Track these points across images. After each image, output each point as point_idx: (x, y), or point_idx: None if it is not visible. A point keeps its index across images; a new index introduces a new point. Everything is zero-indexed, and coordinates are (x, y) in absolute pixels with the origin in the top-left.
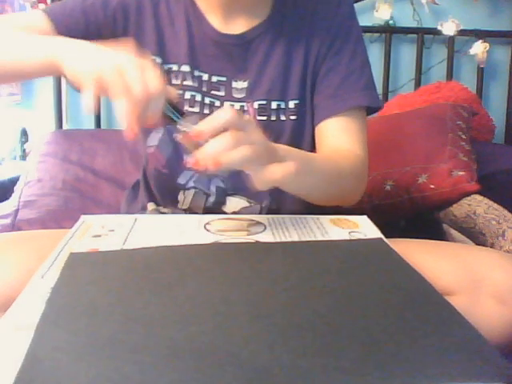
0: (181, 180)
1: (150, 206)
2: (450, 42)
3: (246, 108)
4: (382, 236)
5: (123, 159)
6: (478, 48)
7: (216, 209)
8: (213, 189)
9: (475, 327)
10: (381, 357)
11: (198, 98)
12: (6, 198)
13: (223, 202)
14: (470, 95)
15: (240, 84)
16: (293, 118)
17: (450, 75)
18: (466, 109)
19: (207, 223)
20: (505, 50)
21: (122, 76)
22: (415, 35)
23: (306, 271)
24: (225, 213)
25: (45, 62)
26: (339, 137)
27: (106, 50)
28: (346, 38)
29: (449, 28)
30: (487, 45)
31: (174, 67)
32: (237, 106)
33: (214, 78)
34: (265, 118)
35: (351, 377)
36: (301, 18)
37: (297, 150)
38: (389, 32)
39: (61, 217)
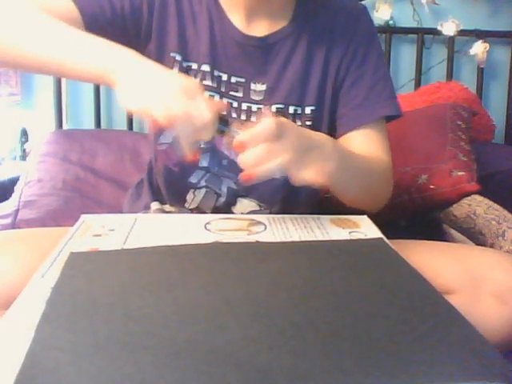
0: (192, 179)
1: (154, 205)
2: (450, 42)
3: (263, 111)
4: (382, 236)
5: (123, 159)
6: (478, 48)
7: (225, 209)
8: (224, 189)
9: (475, 327)
10: (381, 357)
11: (217, 98)
12: (6, 198)
13: (233, 203)
14: (470, 95)
15: (259, 86)
16: (308, 123)
17: (450, 75)
18: (466, 109)
19: (208, 223)
20: (505, 50)
21: (178, 108)
22: (415, 35)
23: (307, 271)
24: (233, 214)
25: (93, 71)
26: (366, 146)
27: (159, 74)
28: (368, 49)
29: (449, 28)
30: (487, 45)
31: (194, 65)
32: (254, 108)
33: (233, 79)
34: None
35: (351, 377)
36: (322, 26)
37: (338, 143)
38: (389, 32)
39: (61, 217)
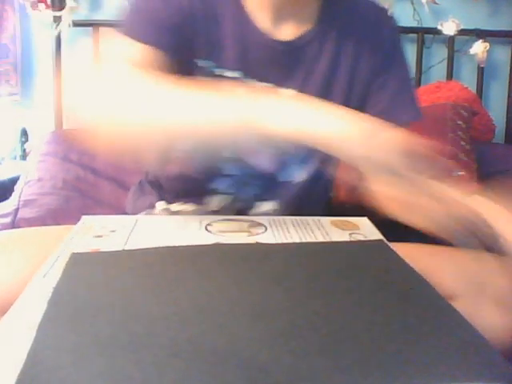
0: (215, 185)
1: (160, 205)
2: (450, 41)
3: None
4: (382, 238)
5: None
6: (478, 48)
7: (244, 212)
8: (248, 196)
9: (476, 328)
10: (382, 357)
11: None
12: (6, 198)
13: (252, 207)
14: (470, 95)
15: (285, 92)
16: None
17: (450, 75)
18: (466, 108)
19: (208, 224)
20: (505, 50)
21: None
22: (415, 35)
23: (307, 272)
24: (250, 215)
25: (233, 124)
26: None
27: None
28: (393, 53)
29: (449, 28)
30: (487, 44)
31: (224, 72)
32: None
33: (262, 85)
34: None
35: (352, 377)
36: (347, 28)
37: None
38: None
39: (61, 216)
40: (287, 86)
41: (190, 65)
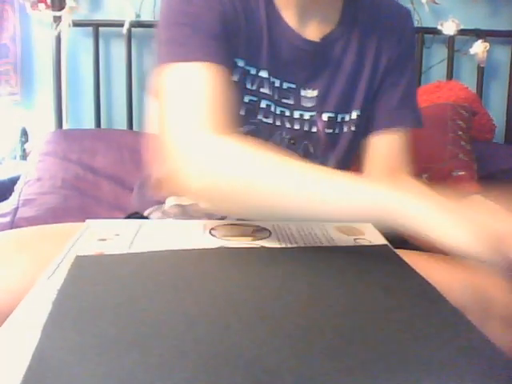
0: None
1: (170, 200)
2: (450, 41)
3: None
4: (387, 243)
5: (123, 158)
6: (478, 48)
7: None
8: None
9: (481, 330)
10: (388, 360)
11: (272, 107)
12: (6, 198)
13: None
14: (469, 95)
15: (309, 93)
16: (353, 128)
17: (450, 75)
18: (466, 109)
19: (212, 228)
20: (505, 50)
21: None
22: (415, 35)
23: (312, 276)
24: None
25: (369, 210)
26: (388, 152)
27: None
28: (410, 54)
29: (449, 27)
30: (487, 44)
31: (253, 71)
32: (306, 115)
33: (285, 85)
34: (331, 131)
35: (358, 380)
36: (370, 27)
37: None
38: None
39: (60, 215)
40: (311, 87)
41: (231, 64)
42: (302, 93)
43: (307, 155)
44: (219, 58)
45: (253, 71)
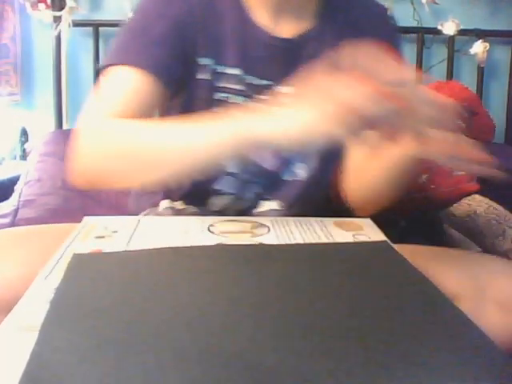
0: (219, 186)
1: (164, 203)
2: (450, 41)
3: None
4: (385, 239)
5: None
6: (478, 48)
7: (247, 212)
8: (250, 195)
9: (481, 329)
10: (387, 358)
11: (248, 103)
12: (6, 198)
13: (255, 206)
14: (469, 95)
15: (286, 89)
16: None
17: (450, 75)
18: (466, 109)
19: (211, 225)
20: (505, 50)
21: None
22: (415, 35)
23: (311, 273)
24: (253, 215)
25: (227, 141)
26: None
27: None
28: (389, 48)
29: (449, 28)
30: (487, 44)
31: (225, 69)
32: None
33: (262, 82)
34: None
35: (357, 379)
36: (345, 24)
37: None
38: None
39: (60, 216)
40: (287, 84)
41: (193, 64)
42: (280, 89)
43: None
44: (154, 67)
45: (222, 69)
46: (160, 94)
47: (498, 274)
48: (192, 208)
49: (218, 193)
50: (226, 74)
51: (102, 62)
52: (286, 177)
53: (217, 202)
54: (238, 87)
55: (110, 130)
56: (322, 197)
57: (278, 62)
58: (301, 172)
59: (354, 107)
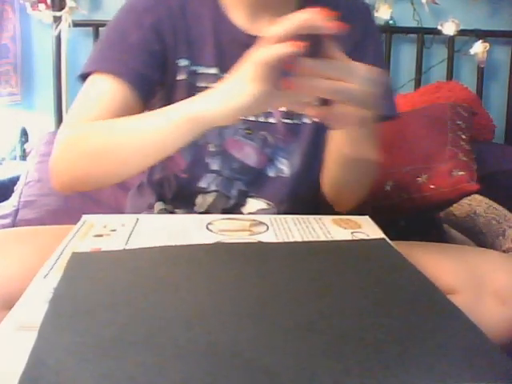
0: (202, 184)
1: (158, 205)
2: (450, 41)
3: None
4: (384, 236)
5: None
6: (478, 48)
7: (234, 211)
8: (234, 192)
9: (480, 327)
10: (386, 358)
11: None
12: (6, 198)
13: (243, 204)
14: (469, 95)
15: None
16: (315, 119)
17: (450, 75)
18: (466, 109)
19: (209, 223)
20: (505, 50)
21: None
22: (415, 35)
23: (309, 271)
24: (242, 214)
25: (186, 124)
26: None
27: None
28: (367, 47)
29: (449, 28)
30: (487, 45)
31: (202, 69)
32: None
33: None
34: (289, 121)
35: (355, 378)
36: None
37: None
38: (389, 32)
39: (61, 217)
40: None
41: (173, 66)
42: None
43: (266, 145)
44: (129, 75)
45: (200, 70)
46: (136, 101)
47: (496, 266)
48: (181, 212)
49: (203, 191)
50: (204, 73)
51: (80, 68)
52: (271, 173)
53: (202, 200)
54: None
55: (80, 134)
56: (311, 194)
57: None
58: (285, 168)
59: (261, 59)
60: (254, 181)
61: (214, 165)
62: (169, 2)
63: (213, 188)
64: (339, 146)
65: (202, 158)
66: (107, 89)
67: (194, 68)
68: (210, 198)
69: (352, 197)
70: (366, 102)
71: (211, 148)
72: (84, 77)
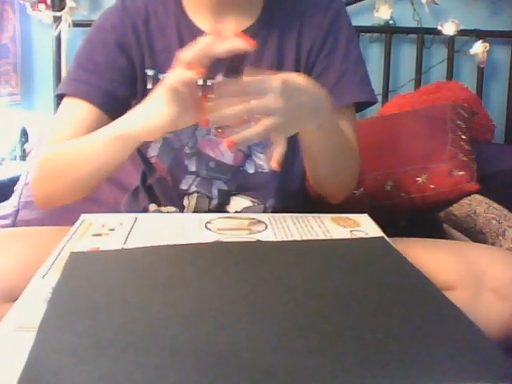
0: (183, 185)
1: (152, 207)
2: (450, 41)
3: None
4: (383, 234)
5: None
6: (478, 48)
7: (219, 210)
8: (215, 192)
9: (479, 327)
10: (384, 357)
11: None
12: (6, 198)
13: (227, 203)
14: (470, 95)
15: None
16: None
17: (450, 75)
18: (466, 109)
19: (208, 222)
20: (505, 50)
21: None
22: (415, 35)
23: (308, 270)
24: (228, 212)
25: (116, 142)
26: None
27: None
28: (336, 37)
29: (449, 28)
30: (487, 45)
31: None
32: None
33: (209, 82)
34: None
35: (354, 377)
36: (290, 18)
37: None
38: (389, 32)
39: (60, 217)
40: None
41: (143, 76)
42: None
43: None
44: (97, 98)
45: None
46: (106, 118)
47: (494, 262)
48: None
49: (185, 193)
50: None
51: (56, 90)
52: (250, 170)
53: (187, 202)
54: None
55: (49, 154)
56: (297, 188)
57: (221, 62)
58: (264, 164)
59: (169, 84)
60: (233, 179)
61: (192, 166)
62: (133, 18)
63: (193, 189)
64: (308, 144)
65: (180, 160)
66: (78, 111)
67: (160, 76)
68: (192, 200)
69: (339, 187)
70: (280, 111)
71: (187, 150)
72: (60, 96)
